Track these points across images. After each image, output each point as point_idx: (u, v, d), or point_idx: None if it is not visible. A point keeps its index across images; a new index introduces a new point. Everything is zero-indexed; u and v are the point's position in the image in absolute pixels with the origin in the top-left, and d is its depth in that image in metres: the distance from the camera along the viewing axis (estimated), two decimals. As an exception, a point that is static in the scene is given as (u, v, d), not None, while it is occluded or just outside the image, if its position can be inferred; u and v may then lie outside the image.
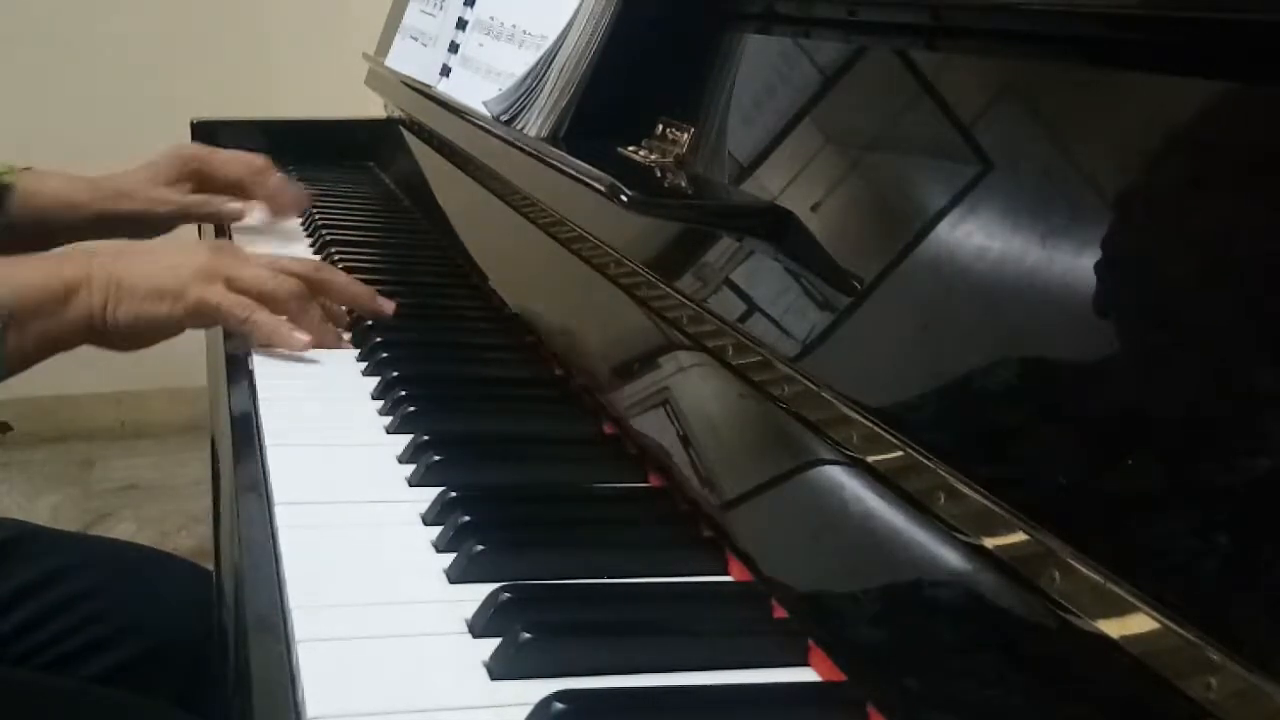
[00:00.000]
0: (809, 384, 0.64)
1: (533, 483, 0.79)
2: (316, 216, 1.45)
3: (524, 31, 1.09)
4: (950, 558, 0.53)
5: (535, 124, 0.97)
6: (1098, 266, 0.51)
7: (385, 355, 0.97)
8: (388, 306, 1.05)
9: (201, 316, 0.97)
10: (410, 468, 0.78)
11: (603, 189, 0.81)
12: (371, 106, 1.86)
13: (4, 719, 0.88)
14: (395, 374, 0.92)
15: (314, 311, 1.00)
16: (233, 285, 0.97)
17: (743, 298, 0.75)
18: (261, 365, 0.96)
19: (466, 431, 0.84)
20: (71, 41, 2.86)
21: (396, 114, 1.75)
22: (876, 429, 0.58)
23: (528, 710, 0.52)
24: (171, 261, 0.98)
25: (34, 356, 0.94)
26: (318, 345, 0.99)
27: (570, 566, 0.67)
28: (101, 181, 1.32)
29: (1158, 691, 0.42)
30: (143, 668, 1.02)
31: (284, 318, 0.97)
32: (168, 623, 1.07)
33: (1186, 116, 0.51)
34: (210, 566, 0.76)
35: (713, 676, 0.57)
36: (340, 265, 1.21)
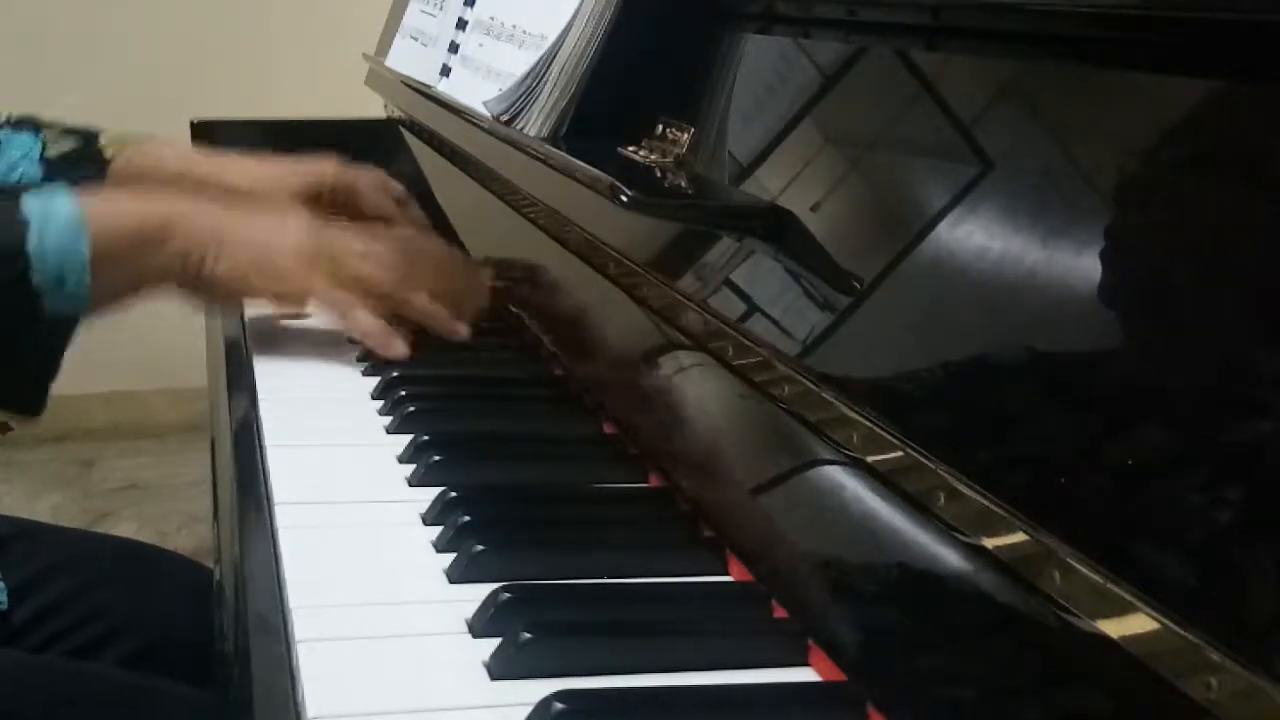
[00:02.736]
0: (809, 384, 0.64)
1: (533, 483, 0.79)
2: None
3: (524, 31, 1.09)
4: (950, 558, 0.53)
5: (535, 124, 0.97)
6: (1097, 266, 0.52)
7: (385, 355, 0.97)
8: (459, 329, 1.01)
9: (302, 300, 0.96)
10: (410, 468, 0.78)
11: (602, 189, 0.81)
12: (371, 106, 1.86)
13: (32, 704, 0.88)
14: (395, 374, 0.92)
15: (417, 300, 0.98)
16: (337, 273, 0.96)
17: (743, 298, 0.75)
18: (261, 365, 0.96)
19: (466, 431, 0.84)
20: (72, 41, 2.86)
21: (396, 114, 1.75)
22: (876, 429, 0.58)
23: (528, 710, 0.52)
24: (277, 232, 0.96)
25: (127, 295, 0.93)
26: (429, 328, 0.98)
27: (570, 566, 0.67)
28: (227, 164, 1.25)
29: (1158, 691, 0.42)
30: (143, 664, 1.02)
31: (381, 325, 0.95)
32: (168, 619, 1.07)
33: (1187, 116, 0.51)
34: (210, 566, 0.76)
35: (713, 676, 0.57)
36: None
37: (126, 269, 0.91)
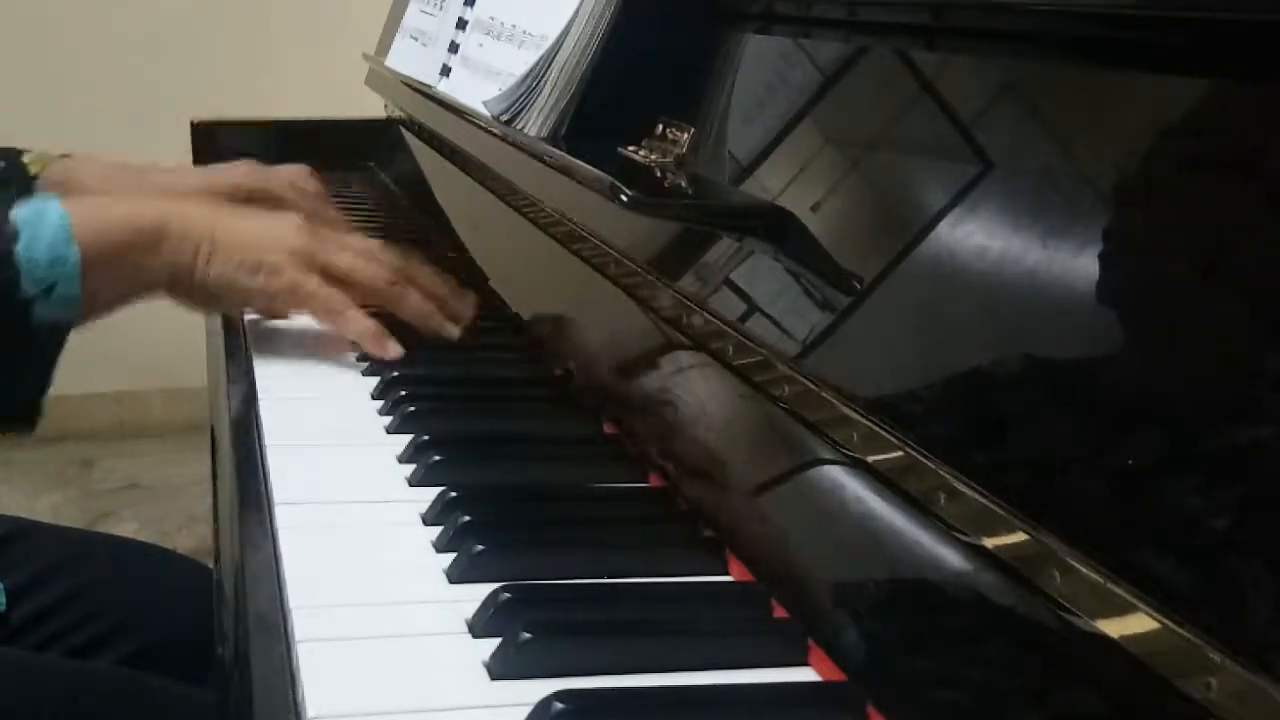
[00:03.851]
0: (809, 384, 0.64)
1: (533, 483, 0.79)
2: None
3: (524, 31, 1.09)
4: (950, 558, 0.53)
5: (535, 124, 0.97)
6: (1097, 267, 0.52)
7: (385, 355, 0.97)
8: (450, 330, 1.00)
9: (295, 300, 0.95)
10: (410, 468, 0.78)
11: (602, 189, 0.81)
12: (371, 106, 1.86)
13: (32, 703, 0.88)
14: (395, 374, 0.92)
15: (411, 296, 0.97)
16: (328, 272, 0.95)
17: (743, 298, 0.75)
18: (262, 365, 0.96)
19: (466, 431, 0.84)
20: (72, 41, 2.86)
21: (396, 114, 1.75)
22: (876, 429, 0.59)
23: (528, 710, 0.52)
24: (268, 232, 0.95)
25: (118, 302, 0.92)
26: (422, 328, 0.97)
27: (570, 566, 0.67)
28: (150, 175, 1.26)
29: (1158, 691, 0.42)
30: (143, 664, 1.02)
31: (375, 326, 0.95)
32: (168, 619, 1.07)
33: (1187, 116, 0.51)
34: (210, 565, 0.76)
35: (713, 676, 0.57)
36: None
37: (118, 275, 0.91)
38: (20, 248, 0.84)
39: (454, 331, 1.00)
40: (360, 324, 0.95)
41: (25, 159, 1.22)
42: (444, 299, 1.01)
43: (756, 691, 0.57)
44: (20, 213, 0.86)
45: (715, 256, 0.79)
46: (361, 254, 0.98)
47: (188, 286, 0.94)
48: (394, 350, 0.95)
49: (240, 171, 1.29)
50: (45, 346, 0.86)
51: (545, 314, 1.04)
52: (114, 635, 1.04)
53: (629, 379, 0.86)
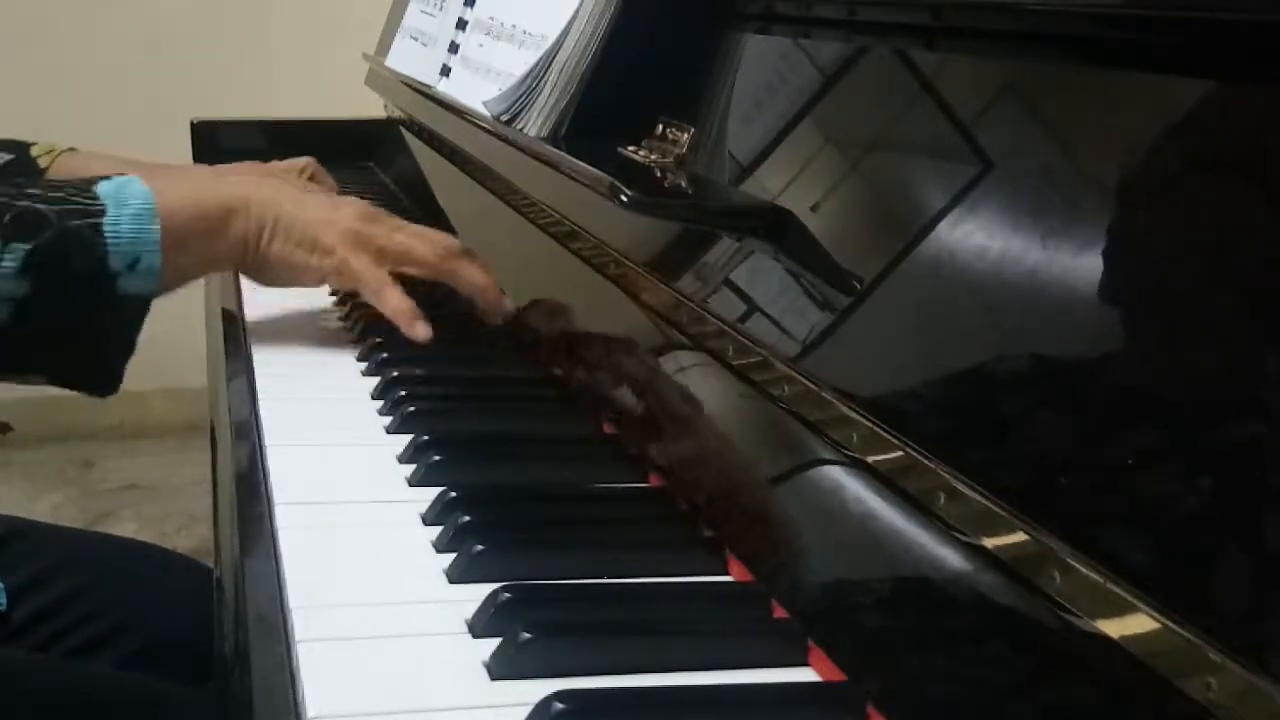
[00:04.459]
0: (809, 384, 0.64)
1: (533, 483, 0.79)
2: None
3: (524, 31, 1.09)
4: (950, 558, 0.53)
5: (535, 124, 0.97)
6: (1098, 267, 0.52)
7: (385, 355, 0.97)
8: (507, 304, 1.03)
9: (342, 277, 1.00)
10: (410, 468, 0.78)
11: (602, 189, 0.81)
12: (371, 106, 1.86)
13: (31, 704, 0.88)
14: (395, 374, 0.92)
15: (468, 269, 1.01)
16: (380, 253, 0.99)
17: (743, 298, 0.75)
18: (262, 365, 0.96)
19: (466, 431, 0.84)
20: (71, 41, 2.86)
21: (396, 114, 1.75)
22: (876, 429, 0.58)
23: (528, 710, 0.52)
24: (327, 212, 1.00)
25: (193, 275, 0.97)
26: (480, 301, 1.01)
27: (570, 566, 0.67)
28: (156, 170, 1.31)
29: (1158, 691, 0.42)
30: (143, 664, 1.02)
31: (410, 306, 0.97)
32: (168, 619, 1.07)
33: (1187, 116, 0.51)
34: (210, 565, 0.76)
35: (713, 676, 0.57)
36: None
37: (194, 250, 0.95)
38: (107, 222, 0.88)
39: (510, 306, 1.03)
40: (396, 303, 0.98)
41: (34, 151, 1.25)
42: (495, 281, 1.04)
43: (756, 691, 0.57)
44: (104, 188, 0.90)
45: (715, 256, 0.79)
46: (415, 235, 1.02)
47: (251, 260, 0.99)
48: (423, 331, 0.97)
49: (246, 168, 1.35)
50: (130, 316, 0.90)
51: (545, 314, 1.04)
52: (114, 635, 1.04)
53: (629, 379, 0.86)
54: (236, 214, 0.96)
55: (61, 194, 0.88)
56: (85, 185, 0.90)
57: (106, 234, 0.87)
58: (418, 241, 1.01)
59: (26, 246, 0.84)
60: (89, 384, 0.92)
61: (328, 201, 1.04)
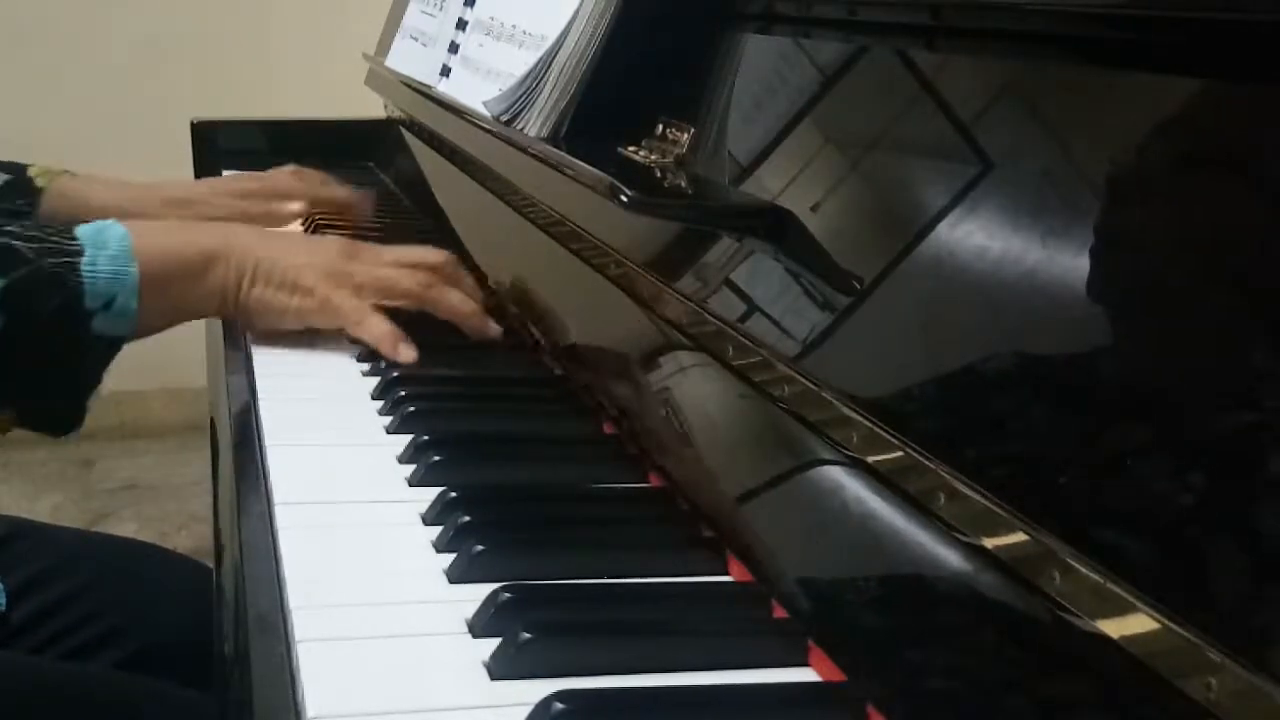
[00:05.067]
0: (809, 384, 0.64)
1: (533, 483, 0.79)
2: (317, 217, 1.45)
3: (524, 31, 1.09)
4: (950, 558, 0.53)
5: (535, 124, 0.97)
6: (1098, 267, 0.51)
7: (385, 355, 0.97)
8: (492, 328, 1.04)
9: (323, 314, 1.00)
10: (410, 468, 0.78)
11: (602, 189, 0.81)
12: (371, 106, 1.86)
13: (31, 706, 0.88)
14: (395, 374, 0.93)
15: (450, 296, 1.02)
16: (359, 288, 0.99)
17: (743, 298, 0.75)
18: (262, 365, 0.96)
19: (466, 431, 0.84)
20: (71, 41, 2.86)
21: (396, 114, 1.75)
22: (876, 429, 0.58)
23: (528, 710, 0.52)
24: (305, 255, 1.00)
25: (166, 322, 0.97)
26: (464, 326, 1.02)
27: (570, 566, 0.67)
28: (152, 188, 1.33)
29: (1158, 691, 0.42)
30: (142, 664, 1.02)
31: (391, 330, 0.97)
32: (168, 619, 1.07)
33: (1187, 116, 0.51)
34: (210, 565, 0.76)
35: (713, 676, 0.57)
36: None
37: (172, 295, 0.95)
38: (84, 262, 0.89)
39: (496, 329, 1.03)
40: (377, 330, 0.98)
41: (30, 172, 1.27)
42: (481, 301, 1.05)
43: (756, 691, 0.57)
44: (83, 230, 0.91)
45: (715, 256, 0.79)
46: (393, 264, 1.02)
47: (232, 308, 0.99)
48: (406, 354, 0.97)
49: (242, 176, 1.38)
50: (99, 357, 0.91)
51: (545, 314, 1.04)
52: (114, 635, 1.04)
53: (629, 379, 0.86)
54: (216, 262, 0.97)
55: (39, 234, 0.89)
56: (65, 227, 0.91)
57: (84, 274, 0.88)
58: (398, 274, 1.01)
59: (2, 282, 0.84)
60: (54, 423, 0.93)
61: (306, 244, 1.04)
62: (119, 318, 0.90)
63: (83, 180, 1.28)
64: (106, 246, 0.90)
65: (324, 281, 0.99)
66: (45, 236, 0.89)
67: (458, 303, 1.02)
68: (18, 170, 1.26)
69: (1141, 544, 0.45)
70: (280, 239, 1.03)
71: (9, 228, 0.89)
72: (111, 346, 0.90)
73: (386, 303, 1.00)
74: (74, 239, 0.90)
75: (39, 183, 1.25)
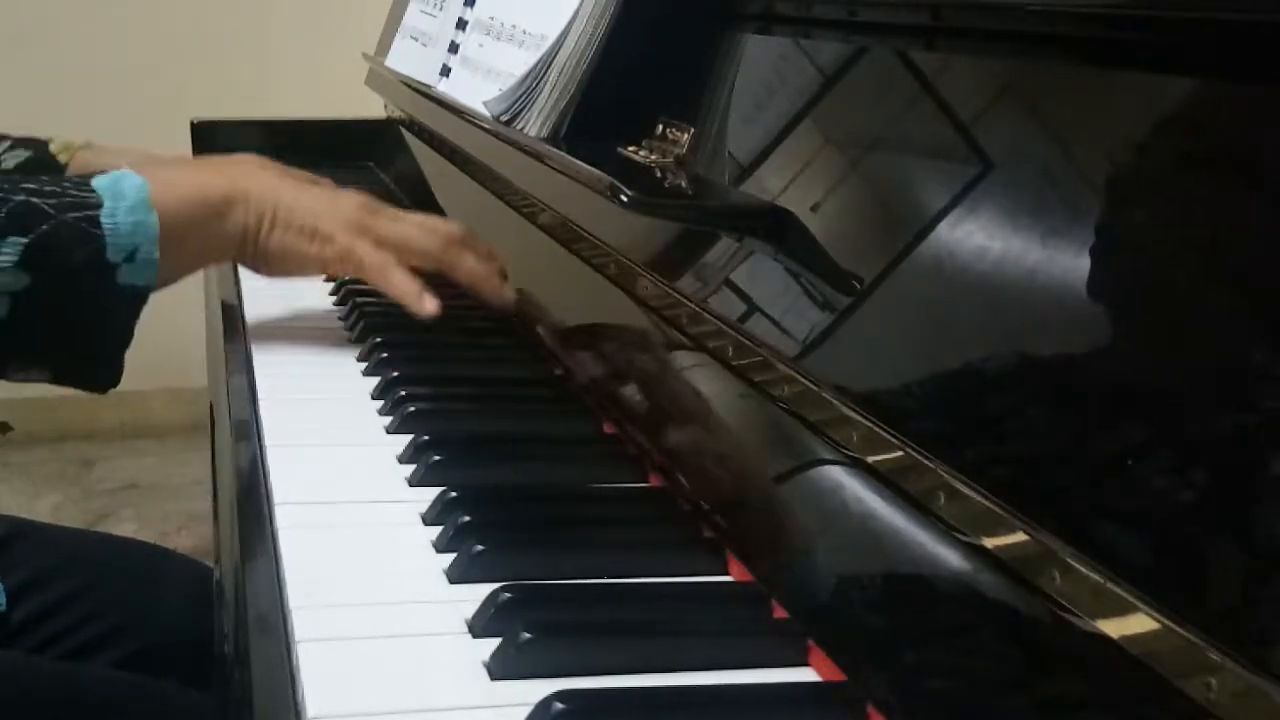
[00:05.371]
0: (809, 384, 0.64)
1: (533, 483, 0.79)
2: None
3: (524, 31, 1.09)
4: (950, 558, 0.53)
5: (535, 124, 0.97)
6: (1097, 267, 0.52)
7: (385, 355, 0.97)
8: (507, 293, 1.04)
9: (344, 264, 1.00)
10: (410, 468, 0.78)
11: (602, 189, 0.81)
12: (371, 106, 1.86)
13: (31, 706, 0.88)
14: (395, 374, 0.92)
15: (467, 260, 1.02)
16: (380, 241, 0.99)
17: (743, 298, 0.75)
18: (262, 365, 0.96)
19: (466, 431, 0.84)
20: (71, 40, 2.86)
21: (396, 114, 1.75)
22: (876, 429, 0.58)
23: (528, 710, 0.52)
24: (327, 202, 1.00)
25: (188, 268, 0.97)
26: (480, 290, 1.02)
27: (570, 566, 0.67)
28: (160, 163, 1.31)
29: (1158, 691, 0.42)
30: (142, 664, 1.02)
31: (416, 284, 0.97)
32: (168, 619, 1.07)
33: (1187, 116, 0.51)
34: (210, 565, 0.76)
35: (713, 676, 0.57)
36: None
37: (192, 241, 0.95)
38: (104, 215, 0.88)
39: (511, 296, 1.03)
40: (402, 283, 0.98)
41: (52, 148, 1.27)
42: (498, 267, 1.05)
43: (756, 691, 0.57)
44: (100, 182, 0.90)
45: (715, 256, 0.79)
46: (416, 224, 1.02)
47: (252, 252, 0.98)
48: (430, 306, 0.97)
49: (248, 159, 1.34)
50: (127, 309, 0.90)
51: (545, 314, 1.04)
52: (114, 635, 1.04)
53: (629, 379, 0.86)
54: (236, 205, 0.96)
55: (57, 189, 0.89)
56: (81, 180, 0.91)
57: (104, 226, 0.87)
58: (418, 231, 1.01)
59: (24, 240, 0.84)
60: (90, 378, 0.92)
61: (327, 192, 1.03)
62: (143, 267, 0.89)
63: (100, 151, 1.27)
64: (125, 197, 0.89)
65: (345, 230, 0.98)
66: (63, 191, 0.88)
67: (475, 266, 1.02)
68: (39, 146, 1.26)
69: (1142, 544, 0.45)
70: (302, 185, 1.02)
71: (26, 184, 0.88)
72: (137, 297, 0.90)
73: (404, 261, 0.99)
74: (92, 191, 0.89)
75: (62, 158, 1.25)
